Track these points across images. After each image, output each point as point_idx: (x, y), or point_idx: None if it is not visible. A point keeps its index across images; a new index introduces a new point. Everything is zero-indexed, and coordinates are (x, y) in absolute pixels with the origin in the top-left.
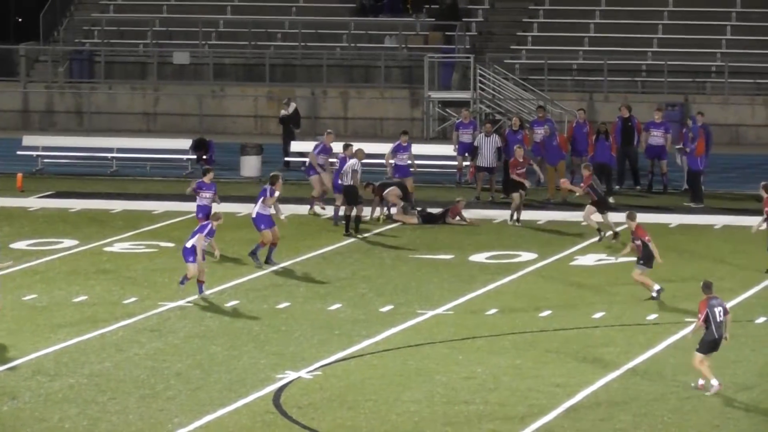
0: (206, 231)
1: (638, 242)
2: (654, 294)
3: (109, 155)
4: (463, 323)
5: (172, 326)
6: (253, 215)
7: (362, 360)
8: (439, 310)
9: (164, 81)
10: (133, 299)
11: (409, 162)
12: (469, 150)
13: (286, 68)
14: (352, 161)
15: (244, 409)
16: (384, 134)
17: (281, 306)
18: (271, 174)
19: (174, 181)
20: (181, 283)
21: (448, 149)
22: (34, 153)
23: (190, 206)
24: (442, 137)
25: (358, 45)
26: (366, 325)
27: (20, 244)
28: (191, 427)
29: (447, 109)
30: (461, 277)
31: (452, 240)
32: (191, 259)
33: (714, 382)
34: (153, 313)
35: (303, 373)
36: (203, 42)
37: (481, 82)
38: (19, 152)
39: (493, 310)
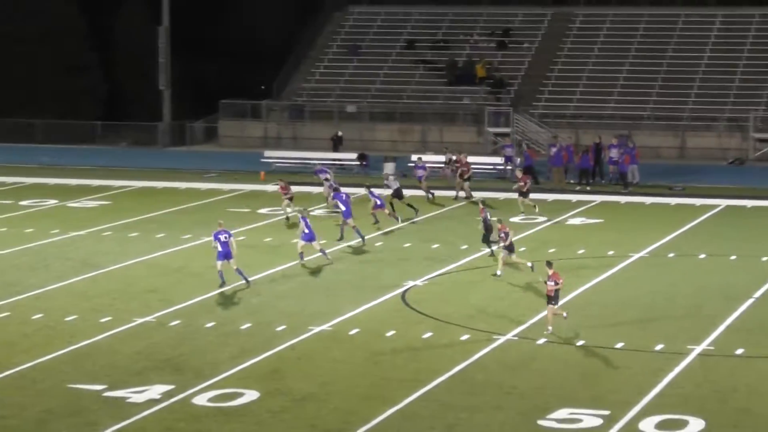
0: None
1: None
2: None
3: (311, 161)
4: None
5: (345, 258)
6: (344, 208)
7: (450, 275)
8: (494, 248)
9: (342, 121)
10: (323, 241)
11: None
12: (509, 159)
13: (410, 114)
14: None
15: (384, 303)
16: (462, 151)
17: (405, 246)
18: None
19: (344, 176)
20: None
21: (497, 159)
22: (270, 160)
23: (358, 191)
24: (494, 153)
25: (449, 102)
26: (452, 255)
27: (263, 210)
28: (354, 312)
29: (497, 137)
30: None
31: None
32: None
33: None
34: (336, 249)
35: (418, 282)
36: (363, 100)
37: (515, 122)
38: (261, 160)
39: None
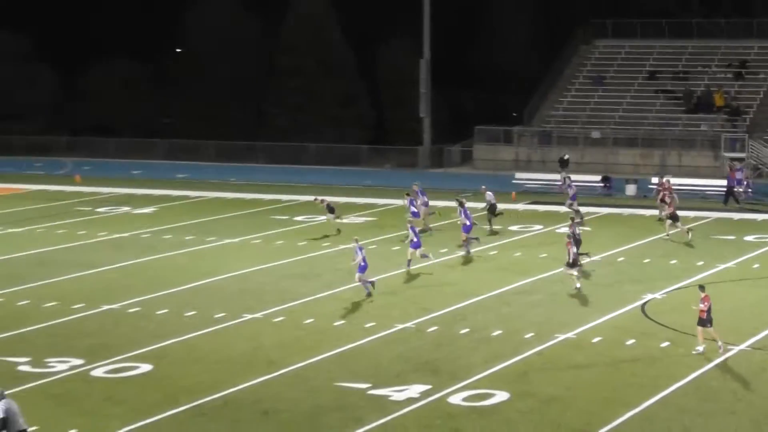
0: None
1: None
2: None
3: (556, 183)
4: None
5: (589, 271)
6: (468, 223)
7: (687, 289)
8: (722, 267)
9: (587, 146)
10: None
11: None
12: (740, 183)
13: (649, 140)
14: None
15: (625, 314)
16: (699, 175)
17: (645, 261)
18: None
19: (588, 196)
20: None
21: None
22: (520, 181)
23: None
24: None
25: (688, 129)
26: (686, 271)
27: (513, 228)
28: (597, 322)
29: (733, 161)
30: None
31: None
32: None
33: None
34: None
35: (657, 295)
36: (606, 126)
37: (750, 148)
38: (513, 181)
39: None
